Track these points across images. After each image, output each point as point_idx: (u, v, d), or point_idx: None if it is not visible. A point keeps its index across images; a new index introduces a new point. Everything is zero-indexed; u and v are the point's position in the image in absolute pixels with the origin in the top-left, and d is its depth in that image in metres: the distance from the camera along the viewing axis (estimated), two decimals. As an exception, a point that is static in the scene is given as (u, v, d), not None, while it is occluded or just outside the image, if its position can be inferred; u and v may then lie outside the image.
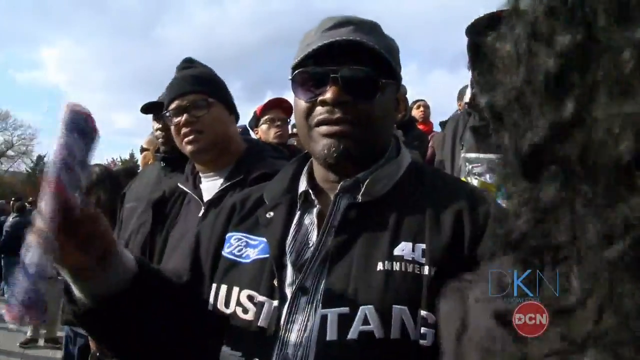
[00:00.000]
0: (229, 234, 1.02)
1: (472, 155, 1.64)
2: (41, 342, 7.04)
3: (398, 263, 0.85)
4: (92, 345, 2.61)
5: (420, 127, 4.44)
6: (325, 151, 0.93)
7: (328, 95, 0.92)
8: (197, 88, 1.63)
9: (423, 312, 0.82)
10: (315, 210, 0.97)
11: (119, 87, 76.47)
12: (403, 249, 0.87)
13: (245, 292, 0.92)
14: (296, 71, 0.97)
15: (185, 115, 1.60)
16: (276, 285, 0.90)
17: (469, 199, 0.91)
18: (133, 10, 74.06)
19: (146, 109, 2.34)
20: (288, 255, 0.92)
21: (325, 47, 0.92)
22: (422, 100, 4.94)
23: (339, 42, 0.92)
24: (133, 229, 2.33)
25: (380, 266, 0.86)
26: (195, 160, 1.67)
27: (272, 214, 0.99)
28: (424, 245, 0.86)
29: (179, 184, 1.74)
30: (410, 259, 0.85)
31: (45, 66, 77.33)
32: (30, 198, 14.50)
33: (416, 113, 4.73)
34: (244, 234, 1.00)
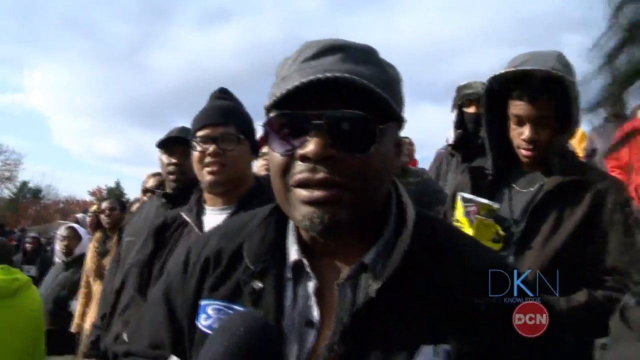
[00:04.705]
0: (204, 302, 0.85)
1: (468, 195, 1.65)
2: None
3: None
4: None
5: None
6: (307, 223, 0.74)
7: (310, 147, 0.72)
8: (231, 121, 1.65)
9: None
10: (311, 285, 0.80)
11: (103, 113, 74.35)
12: (425, 355, 0.72)
13: None
14: (269, 114, 0.77)
15: (214, 146, 1.60)
16: None
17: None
18: (119, 35, 72.63)
19: (163, 143, 2.28)
20: (287, 342, 0.78)
21: (304, 86, 0.71)
22: (406, 137, 5.01)
23: (320, 80, 0.71)
24: (132, 263, 2.35)
25: None
26: (209, 190, 1.69)
27: (260, 285, 0.81)
28: (447, 347, 0.73)
29: (181, 213, 1.73)
30: None
31: (27, 89, 74.10)
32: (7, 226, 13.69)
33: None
34: (224, 305, 0.82)
